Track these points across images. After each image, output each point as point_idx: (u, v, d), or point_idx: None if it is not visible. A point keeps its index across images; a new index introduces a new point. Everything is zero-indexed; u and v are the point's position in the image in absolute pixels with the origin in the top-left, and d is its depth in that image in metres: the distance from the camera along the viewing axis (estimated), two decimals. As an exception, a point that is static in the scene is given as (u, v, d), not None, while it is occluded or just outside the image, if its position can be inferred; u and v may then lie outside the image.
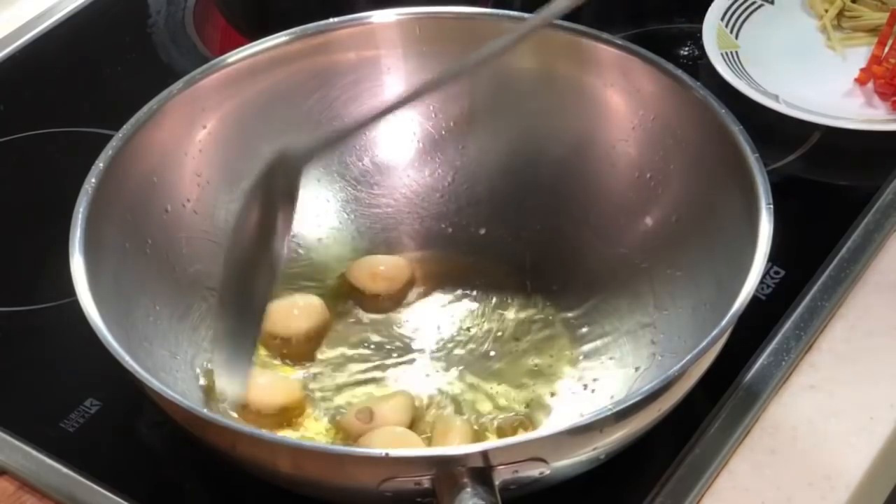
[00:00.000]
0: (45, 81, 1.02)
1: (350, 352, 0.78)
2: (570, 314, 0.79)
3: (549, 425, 0.73)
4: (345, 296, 0.81)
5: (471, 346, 0.78)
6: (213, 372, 0.73)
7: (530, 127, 0.83)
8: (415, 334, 0.79)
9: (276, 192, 0.69)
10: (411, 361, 0.77)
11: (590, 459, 0.65)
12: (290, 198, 0.69)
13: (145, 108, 0.77)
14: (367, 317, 0.80)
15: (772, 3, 1.00)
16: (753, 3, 1.00)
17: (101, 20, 1.07)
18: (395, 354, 0.78)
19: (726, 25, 0.97)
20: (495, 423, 0.74)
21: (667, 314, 0.76)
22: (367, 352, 0.78)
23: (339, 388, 0.76)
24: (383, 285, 0.81)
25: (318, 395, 0.75)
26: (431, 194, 0.84)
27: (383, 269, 0.81)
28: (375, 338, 0.79)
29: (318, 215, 0.83)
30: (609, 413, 0.62)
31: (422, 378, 0.76)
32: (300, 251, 0.82)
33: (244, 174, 0.81)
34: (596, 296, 0.79)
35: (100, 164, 0.73)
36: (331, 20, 0.82)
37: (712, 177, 0.75)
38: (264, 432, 0.65)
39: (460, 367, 0.77)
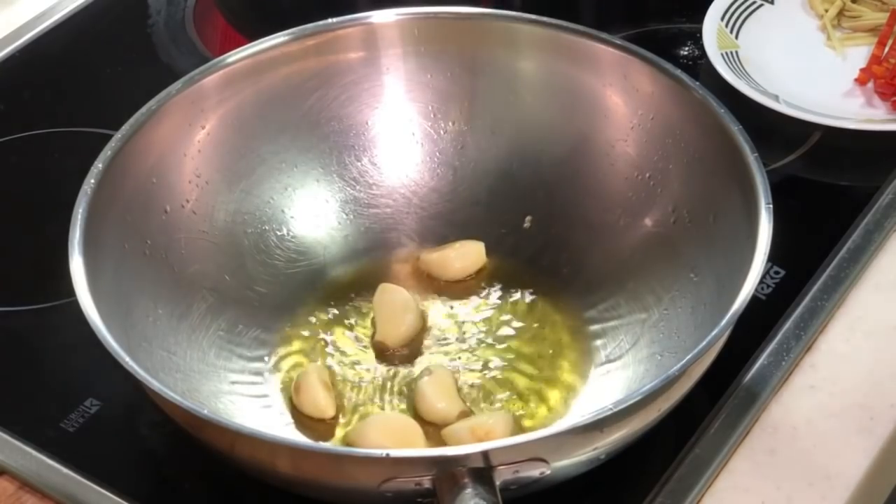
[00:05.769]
0: (45, 81, 1.02)
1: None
2: (570, 314, 0.79)
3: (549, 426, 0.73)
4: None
5: (466, 346, 0.78)
6: None
7: (529, 127, 0.83)
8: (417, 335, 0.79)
9: None
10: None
11: (590, 459, 0.65)
12: None
13: (144, 109, 0.77)
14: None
15: (772, 3, 1.00)
16: (753, 3, 0.99)
17: (101, 20, 1.07)
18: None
19: (726, 25, 0.97)
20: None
21: (667, 314, 0.75)
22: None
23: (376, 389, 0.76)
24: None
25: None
26: (430, 194, 0.84)
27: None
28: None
29: (317, 216, 0.83)
30: (609, 413, 0.62)
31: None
32: (298, 252, 0.82)
33: (243, 174, 0.81)
34: (595, 296, 0.79)
35: (99, 165, 0.73)
36: (330, 20, 0.82)
37: (712, 177, 0.75)
38: (264, 432, 0.64)
39: (455, 368, 0.77)
